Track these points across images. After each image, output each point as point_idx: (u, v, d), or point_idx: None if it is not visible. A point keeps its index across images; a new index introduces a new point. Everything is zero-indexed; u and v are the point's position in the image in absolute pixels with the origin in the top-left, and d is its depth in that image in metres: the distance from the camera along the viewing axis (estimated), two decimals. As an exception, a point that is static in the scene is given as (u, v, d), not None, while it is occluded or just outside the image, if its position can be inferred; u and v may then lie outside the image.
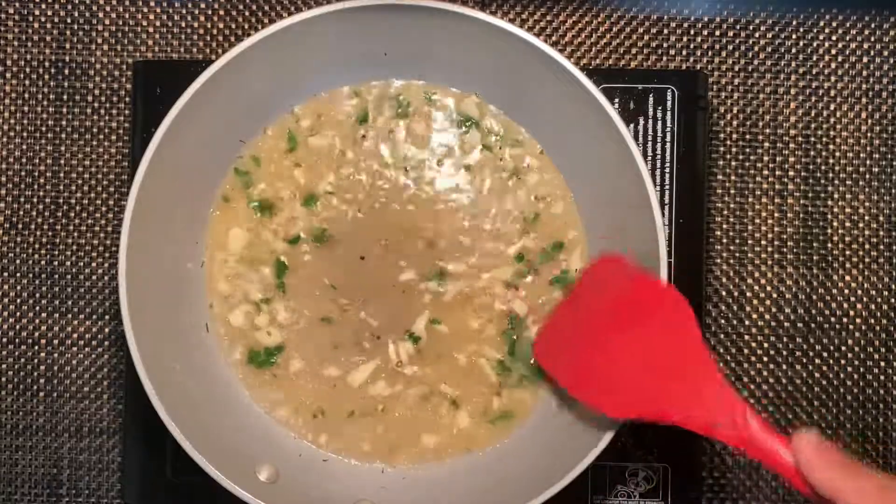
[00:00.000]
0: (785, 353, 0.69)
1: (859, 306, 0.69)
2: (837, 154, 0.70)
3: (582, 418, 0.60)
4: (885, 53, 0.70)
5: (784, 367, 0.69)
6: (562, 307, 0.63)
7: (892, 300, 0.69)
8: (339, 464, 0.63)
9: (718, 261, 0.69)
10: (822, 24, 0.70)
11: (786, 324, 0.69)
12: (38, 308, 0.69)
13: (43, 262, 0.69)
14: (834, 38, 0.70)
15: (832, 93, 0.70)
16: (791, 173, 0.70)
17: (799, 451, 0.49)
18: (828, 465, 0.48)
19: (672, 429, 0.65)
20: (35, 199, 0.69)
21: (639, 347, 0.57)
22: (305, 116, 0.64)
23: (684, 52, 0.70)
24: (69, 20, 0.70)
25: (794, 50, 0.70)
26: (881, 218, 0.70)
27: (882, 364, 0.69)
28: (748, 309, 0.69)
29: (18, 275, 0.69)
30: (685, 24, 0.70)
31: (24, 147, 0.70)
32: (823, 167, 0.70)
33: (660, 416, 0.55)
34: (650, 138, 0.66)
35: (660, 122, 0.66)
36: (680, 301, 0.55)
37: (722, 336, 0.69)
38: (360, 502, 0.60)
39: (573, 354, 0.60)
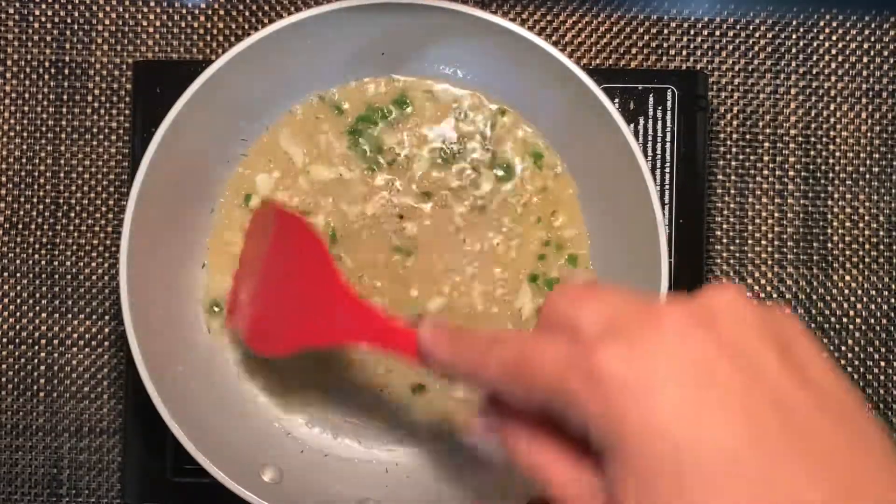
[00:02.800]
0: (785, 353, 0.69)
1: (859, 306, 0.69)
2: (837, 154, 0.70)
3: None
4: (885, 53, 0.70)
5: (784, 367, 0.69)
6: (240, 262, 0.63)
7: (892, 300, 0.69)
8: (343, 463, 0.63)
9: (718, 261, 0.69)
10: (822, 24, 0.70)
11: (786, 324, 0.69)
12: (38, 308, 0.69)
13: (43, 262, 0.69)
14: (834, 38, 0.70)
15: (832, 93, 0.70)
16: (791, 173, 0.70)
17: (422, 341, 0.46)
18: (447, 351, 0.45)
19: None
20: (35, 199, 0.69)
21: (285, 283, 0.57)
22: (305, 116, 0.64)
23: (684, 52, 0.70)
24: (69, 20, 0.70)
25: (794, 50, 0.70)
26: (881, 218, 0.70)
27: (882, 364, 0.69)
28: (748, 309, 0.69)
29: (18, 275, 0.69)
30: (685, 24, 0.70)
31: (24, 147, 0.70)
32: (823, 167, 0.70)
33: (304, 343, 0.56)
34: (650, 138, 0.66)
35: (660, 122, 0.66)
36: (305, 229, 0.56)
37: (722, 336, 0.69)
38: (364, 501, 0.60)
39: (244, 304, 0.60)
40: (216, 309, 0.64)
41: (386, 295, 0.64)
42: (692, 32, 0.70)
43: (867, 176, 0.70)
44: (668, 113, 0.66)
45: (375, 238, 0.64)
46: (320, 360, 0.64)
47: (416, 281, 0.64)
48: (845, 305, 0.69)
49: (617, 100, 0.65)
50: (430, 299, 0.64)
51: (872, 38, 0.70)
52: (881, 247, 0.69)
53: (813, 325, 0.69)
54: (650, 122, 0.66)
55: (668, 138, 0.66)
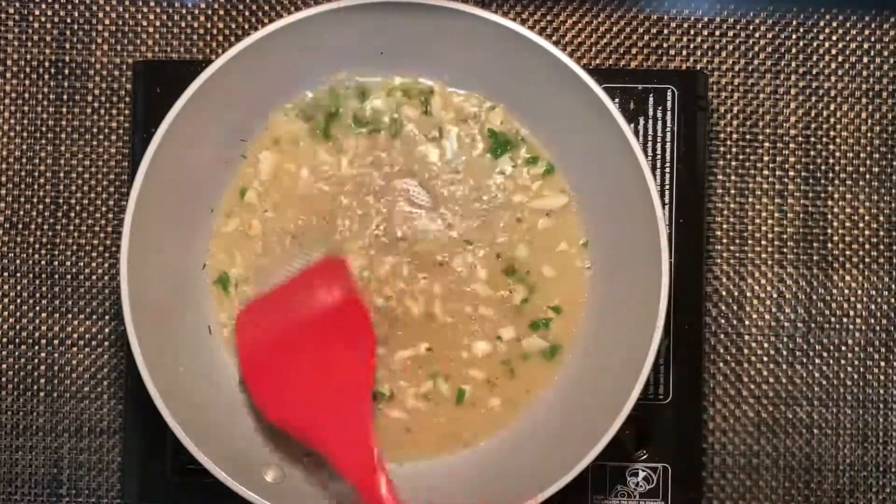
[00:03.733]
0: (785, 353, 0.69)
1: (859, 306, 0.69)
2: (837, 154, 0.70)
3: (582, 418, 0.60)
4: (885, 53, 0.70)
5: (784, 367, 0.69)
6: (279, 290, 0.62)
7: (892, 300, 0.69)
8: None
9: (718, 261, 0.69)
10: (822, 24, 0.70)
11: (786, 324, 0.69)
12: (38, 308, 0.69)
13: (43, 262, 0.69)
14: (834, 38, 0.70)
15: (832, 93, 0.70)
16: (791, 173, 0.70)
17: None
18: None
19: (672, 429, 0.65)
20: (35, 199, 0.69)
21: (319, 363, 0.58)
22: (305, 114, 0.64)
23: (684, 52, 0.70)
24: (69, 20, 0.70)
25: (794, 50, 0.70)
26: (881, 218, 0.70)
27: (882, 364, 0.69)
28: (748, 309, 0.69)
29: (18, 275, 0.69)
30: (685, 24, 0.70)
31: (24, 147, 0.70)
32: (823, 167, 0.70)
33: (303, 433, 0.57)
34: (650, 138, 0.66)
35: (660, 122, 0.66)
36: (370, 340, 0.58)
37: (722, 336, 0.69)
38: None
39: (263, 338, 0.60)
40: (217, 310, 0.64)
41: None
42: (692, 32, 0.70)
43: (867, 176, 0.70)
44: (668, 113, 0.66)
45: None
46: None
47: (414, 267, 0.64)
48: (845, 305, 0.69)
49: (617, 100, 0.65)
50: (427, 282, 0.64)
51: (872, 38, 0.70)
52: (881, 247, 0.69)
53: (813, 325, 0.69)
54: (650, 122, 0.66)
55: (668, 138, 0.66)
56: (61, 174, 0.70)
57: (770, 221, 0.70)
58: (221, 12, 0.70)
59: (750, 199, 0.70)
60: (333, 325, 0.59)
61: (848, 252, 0.69)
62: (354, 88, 0.64)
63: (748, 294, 0.69)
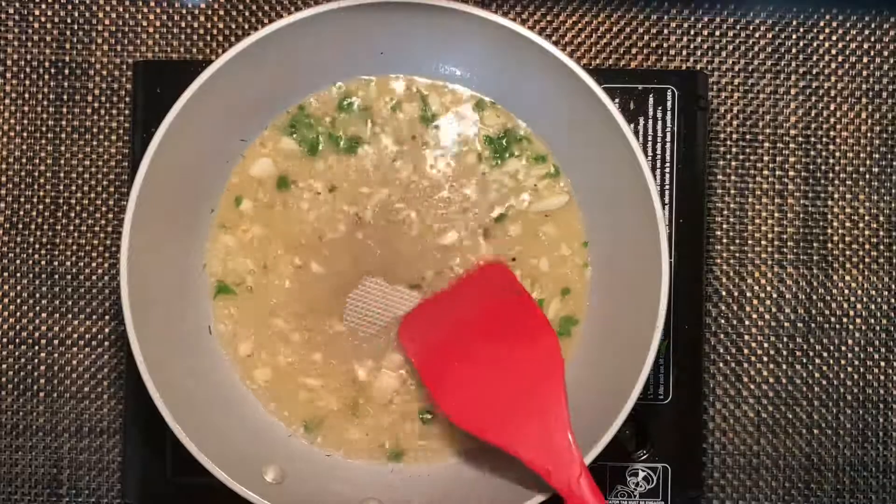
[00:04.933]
0: (785, 353, 0.69)
1: (859, 306, 0.69)
2: (837, 154, 0.70)
3: (582, 417, 0.60)
4: (885, 53, 0.70)
5: (784, 367, 0.69)
6: (441, 295, 0.62)
7: (892, 300, 0.69)
8: (346, 463, 0.63)
9: (718, 261, 0.69)
10: (822, 24, 0.70)
11: (786, 324, 0.69)
12: (38, 308, 0.69)
13: (43, 262, 0.69)
14: (834, 38, 0.70)
15: (832, 93, 0.70)
16: (791, 173, 0.70)
17: None
18: None
19: (672, 429, 0.65)
20: (35, 199, 0.69)
21: (502, 366, 0.57)
22: (305, 114, 0.64)
23: (684, 52, 0.70)
24: (69, 20, 0.70)
25: (794, 50, 0.70)
26: (881, 218, 0.70)
27: (882, 364, 0.69)
28: (748, 309, 0.69)
29: (18, 275, 0.69)
30: (685, 24, 0.70)
31: (24, 147, 0.70)
32: (823, 167, 0.70)
33: (497, 441, 0.56)
34: (650, 138, 0.66)
35: (660, 122, 0.66)
36: (553, 340, 0.57)
37: (722, 336, 0.69)
38: (366, 501, 0.60)
39: (437, 344, 0.60)
40: (217, 310, 0.64)
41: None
42: (692, 32, 0.70)
43: (867, 176, 0.70)
44: (668, 113, 0.66)
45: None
46: (323, 362, 0.64)
47: (410, 255, 0.64)
48: (845, 305, 0.69)
49: (617, 100, 0.65)
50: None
51: (872, 38, 0.70)
52: (881, 247, 0.69)
53: (813, 325, 0.69)
54: (650, 122, 0.66)
55: (668, 138, 0.66)
56: (61, 174, 0.70)
57: (770, 221, 0.70)
58: (221, 12, 0.70)
59: (750, 199, 0.70)
60: (508, 325, 0.59)
61: (848, 252, 0.69)
62: (346, 93, 0.64)
63: (748, 294, 0.69)
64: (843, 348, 0.69)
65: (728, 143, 0.70)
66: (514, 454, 0.56)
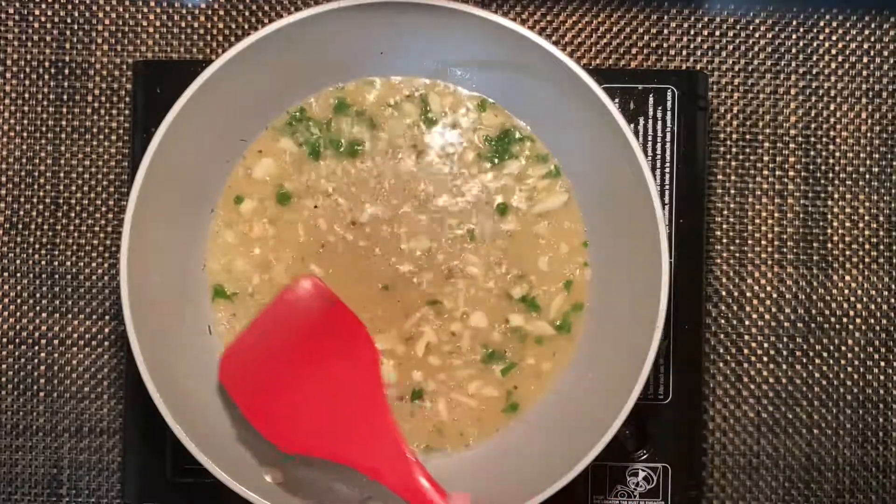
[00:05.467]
0: (785, 353, 0.69)
1: (859, 306, 0.69)
2: (837, 154, 0.70)
3: (582, 418, 0.60)
4: (885, 53, 0.70)
5: (784, 367, 0.69)
6: (255, 324, 0.61)
7: (892, 300, 0.69)
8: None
9: (718, 261, 0.69)
10: (822, 24, 0.70)
11: (786, 324, 0.69)
12: (38, 308, 0.69)
13: (43, 262, 0.69)
14: (834, 38, 0.70)
15: (832, 93, 0.70)
16: (791, 173, 0.70)
17: None
18: None
19: (672, 429, 0.65)
20: (35, 199, 0.69)
21: (323, 380, 0.58)
22: (306, 115, 0.64)
23: (684, 52, 0.70)
24: (69, 20, 0.70)
25: (794, 50, 0.70)
26: (881, 218, 0.70)
27: (882, 364, 0.69)
28: (748, 309, 0.69)
29: (18, 275, 0.69)
30: (685, 24, 0.70)
31: (24, 147, 0.70)
32: (823, 167, 0.70)
33: (330, 457, 0.57)
34: (650, 138, 0.66)
35: (660, 122, 0.66)
36: (367, 341, 0.58)
37: (722, 336, 0.69)
38: (366, 500, 0.60)
39: (258, 377, 0.60)
40: (217, 310, 0.64)
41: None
42: (692, 32, 0.70)
43: (867, 176, 0.70)
44: (668, 113, 0.66)
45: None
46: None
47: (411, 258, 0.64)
48: (845, 305, 0.69)
49: (617, 100, 0.65)
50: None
51: (872, 38, 0.70)
52: (881, 247, 0.69)
53: (813, 325, 0.69)
54: (650, 122, 0.66)
55: (668, 138, 0.66)
56: (61, 174, 0.70)
57: (770, 221, 0.70)
58: (221, 12, 0.70)
59: (750, 199, 0.70)
60: (326, 339, 0.59)
61: (848, 252, 0.69)
62: (345, 95, 0.64)
63: (748, 294, 0.69)
64: (843, 348, 0.69)
65: (728, 143, 0.70)
66: (350, 466, 0.57)
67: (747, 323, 0.69)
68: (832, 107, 0.70)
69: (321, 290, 0.61)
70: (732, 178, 0.70)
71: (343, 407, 0.57)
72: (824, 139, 0.70)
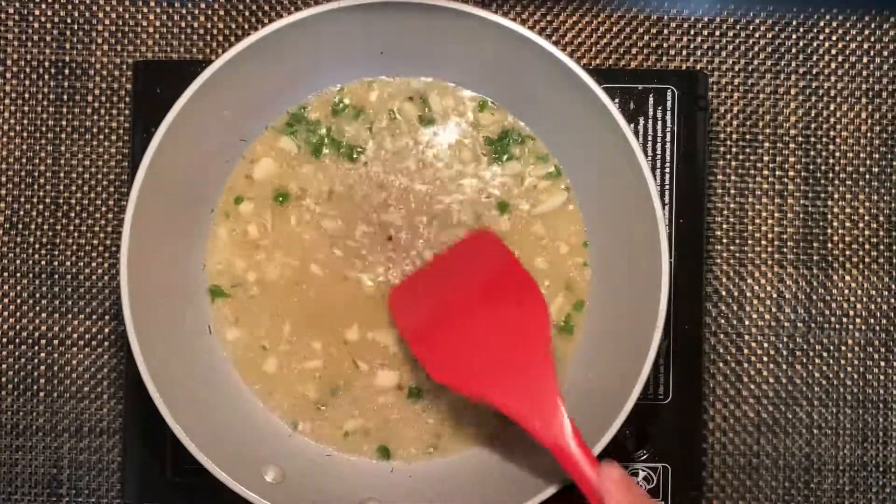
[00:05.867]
0: (785, 353, 0.69)
1: (859, 306, 0.69)
2: (837, 154, 0.70)
3: (583, 418, 0.60)
4: (885, 53, 0.70)
5: (784, 367, 0.69)
6: (429, 265, 0.63)
7: (892, 300, 0.69)
8: (346, 462, 0.63)
9: (718, 261, 0.69)
10: (822, 24, 0.70)
11: (786, 324, 0.69)
12: (38, 308, 0.69)
13: (43, 262, 0.69)
14: (834, 38, 0.70)
15: (832, 93, 0.70)
16: (791, 173, 0.70)
17: (605, 479, 0.52)
18: (627, 500, 0.52)
19: (672, 429, 0.65)
20: (35, 199, 0.69)
21: (489, 327, 0.58)
22: (306, 115, 0.64)
23: (684, 52, 0.70)
24: (69, 20, 0.70)
25: (794, 50, 0.70)
26: (881, 218, 0.70)
27: (882, 364, 0.69)
28: (748, 309, 0.69)
29: (18, 275, 0.69)
30: (685, 24, 0.70)
31: (24, 147, 0.70)
32: (823, 167, 0.70)
33: (484, 395, 0.56)
34: (650, 138, 0.66)
35: (660, 122, 0.66)
36: (539, 299, 0.58)
37: (722, 336, 0.69)
38: (367, 501, 0.60)
39: (425, 310, 0.61)
40: (217, 310, 0.64)
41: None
42: (692, 32, 0.70)
43: (867, 176, 0.70)
44: (668, 113, 0.66)
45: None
46: (324, 364, 0.64)
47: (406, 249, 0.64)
48: (845, 305, 0.69)
49: (617, 100, 0.65)
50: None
51: (872, 38, 0.70)
52: (881, 247, 0.69)
53: (813, 325, 0.69)
54: (650, 122, 0.66)
55: (668, 138, 0.66)
56: (61, 174, 0.70)
57: (770, 221, 0.70)
58: (221, 12, 0.70)
59: (750, 199, 0.70)
60: (498, 289, 0.60)
61: (848, 252, 0.69)
62: (347, 95, 0.64)
63: (748, 294, 0.69)
64: (843, 348, 0.69)
65: (728, 143, 0.70)
66: (499, 407, 0.56)
67: (747, 323, 0.69)
68: (832, 107, 0.70)
69: (497, 244, 0.61)
70: (732, 178, 0.70)
71: (505, 351, 0.57)
72: (824, 139, 0.70)
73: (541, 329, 0.57)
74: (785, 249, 0.69)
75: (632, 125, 0.64)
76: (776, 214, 0.70)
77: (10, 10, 0.70)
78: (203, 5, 0.70)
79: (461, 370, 0.58)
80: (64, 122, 0.70)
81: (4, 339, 0.69)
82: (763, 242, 0.69)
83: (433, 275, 0.62)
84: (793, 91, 0.70)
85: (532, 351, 0.56)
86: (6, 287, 0.69)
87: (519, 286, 0.59)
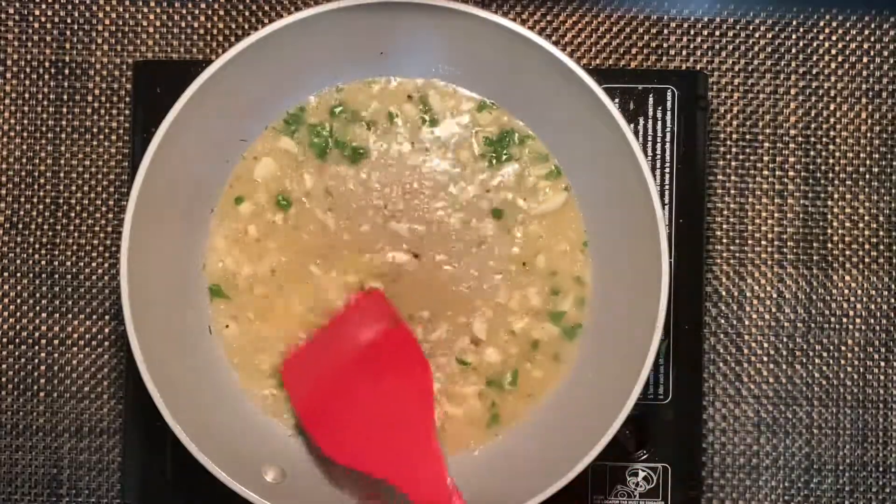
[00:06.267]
0: (785, 353, 0.69)
1: (859, 306, 0.69)
2: (837, 154, 0.70)
3: (582, 418, 0.60)
4: (885, 53, 0.70)
5: (784, 367, 0.69)
6: (320, 333, 0.63)
7: (892, 300, 0.69)
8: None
9: (718, 261, 0.69)
10: (822, 24, 0.70)
11: (786, 324, 0.69)
12: (38, 308, 0.69)
13: (43, 262, 0.69)
14: (834, 38, 0.70)
15: (832, 93, 0.70)
16: (791, 173, 0.70)
17: None
18: None
19: (672, 429, 0.65)
20: (35, 199, 0.69)
21: (379, 399, 0.59)
22: (306, 115, 0.64)
23: (684, 52, 0.70)
24: (69, 20, 0.70)
25: (794, 50, 0.70)
26: (881, 218, 0.70)
27: (882, 364, 0.69)
28: (748, 309, 0.69)
29: (18, 275, 0.69)
30: (685, 24, 0.70)
31: (24, 147, 0.70)
32: (823, 167, 0.70)
33: (378, 475, 0.58)
34: (650, 138, 0.66)
35: (660, 122, 0.66)
36: (423, 365, 0.59)
37: (722, 336, 0.69)
38: (367, 501, 0.60)
39: (316, 381, 0.61)
40: (217, 310, 0.64)
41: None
42: (692, 32, 0.70)
43: (867, 176, 0.70)
44: (668, 113, 0.66)
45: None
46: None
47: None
48: (845, 305, 0.69)
49: (617, 100, 0.65)
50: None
51: (872, 38, 0.70)
52: (881, 247, 0.69)
53: (813, 325, 0.69)
54: (650, 122, 0.66)
55: (668, 138, 0.66)
56: (61, 174, 0.70)
57: (770, 221, 0.70)
58: (221, 12, 0.70)
59: (750, 199, 0.70)
60: (384, 358, 0.60)
61: (848, 252, 0.69)
62: (346, 96, 0.64)
63: (748, 294, 0.69)
64: (843, 348, 0.69)
65: (728, 143, 0.70)
66: (391, 484, 0.58)
67: (747, 323, 0.69)
68: (832, 107, 0.70)
69: (386, 307, 0.62)
70: (732, 178, 0.70)
71: (392, 426, 0.58)
72: (824, 139, 0.70)
73: (424, 399, 0.58)
74: (785, 249, 0.69)
75: (632, 125, 0.64)
76: (776, 214, 0.70)
77: (10, 10, 0.70)
78: (203, 5, 0.70)
79: (356, 450, 0.59)
80: (64, 123, 0.70)
81: (4, 339, 0.69)
82: (763, 242, 0.69)
83: (323, 344, 0.62)
84: (793, 91, 0.70)
85: (416, 423, 0.58)
86: (6, 287, 0.69)
87: (406, 355, 0.60)
